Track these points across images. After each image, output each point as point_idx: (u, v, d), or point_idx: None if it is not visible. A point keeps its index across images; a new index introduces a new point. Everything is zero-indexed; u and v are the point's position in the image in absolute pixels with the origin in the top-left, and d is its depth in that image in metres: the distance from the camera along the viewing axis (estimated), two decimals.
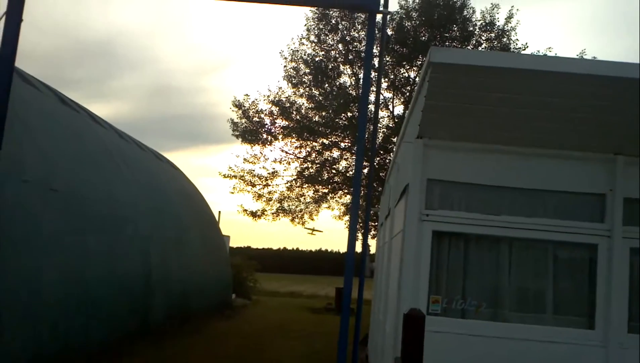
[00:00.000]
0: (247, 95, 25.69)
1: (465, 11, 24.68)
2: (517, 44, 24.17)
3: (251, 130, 25.27)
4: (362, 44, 24.09)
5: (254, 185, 25.84)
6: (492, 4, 24.90)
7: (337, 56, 25.14)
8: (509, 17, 24.33)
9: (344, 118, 24.48)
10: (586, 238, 5.41)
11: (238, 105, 25.47)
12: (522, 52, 23.69)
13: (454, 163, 5.41)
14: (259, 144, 25.45)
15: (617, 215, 5.39)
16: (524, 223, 5.36)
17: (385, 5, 6.17)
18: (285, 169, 25.79)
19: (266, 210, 26.15)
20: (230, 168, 25.86)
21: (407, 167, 5.64)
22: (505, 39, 24.38)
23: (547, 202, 5.46)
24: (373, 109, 24.39)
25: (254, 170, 25.85)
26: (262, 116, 25.41)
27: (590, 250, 5.43)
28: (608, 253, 5.36)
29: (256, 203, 26.18)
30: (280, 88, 25.66)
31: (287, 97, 25.42)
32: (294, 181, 25.72)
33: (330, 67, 25.02)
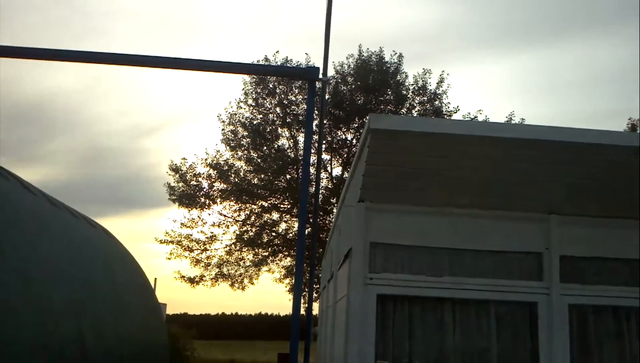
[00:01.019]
0: (184, 159, 25.50)
1: (398, 76, 25.57)
2: (449, 107, 25.13)
3: (189, 194, 24.95)
4: (300, 108, 24.54)
5: (191, 250, 25.32)
6: (424, 69, 25.92)
7: (275, 118, 25.43)
8: (440, 81, 25.36)
9: (283, 180, 24.58)
10: (526, 297, 5.52)
11: (175, 169, 25.19)
12: (454, 114, 24.63)
13: (395, 225, 5.47)
14: (196, 208, 25.12)
15: (554, 273, 5.54)
16: (466, 283, 5.43)
17: (325, 73, 6.30)
18: (224, 233, 25.47)
19: (205, 276, 25.58)
20: (167, 233, 25.33)
21: (350, 231, 5.66)
22: (437, 102, 25.32)
23: (486, 262, 5.56)
24: (314, 172, 24.63)
25: (191, 235, 25.39)
26: (200, 179, 25.19)
27: (531, 308, 5.53)
28: (548, 310, 5.47)
29: (194, 269, 25.58)
30: (218, 151, 25.62)
31: (225, 160, 25.37)
32: (233, 245, 25.39)
33: (268, 130, 25.24)
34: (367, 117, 4.73)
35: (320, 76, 5.47)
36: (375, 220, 5.42)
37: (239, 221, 25.37)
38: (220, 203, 25.25)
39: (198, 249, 25.39)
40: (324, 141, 24.82)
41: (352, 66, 25.65)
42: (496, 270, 5.57)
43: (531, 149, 5.05)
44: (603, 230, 5.71)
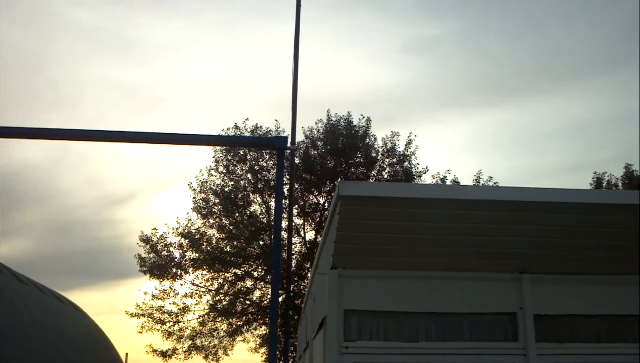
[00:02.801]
0: (154, 229, 25.17)
1: (367, 139, 25.93)
2: (417, 168, 25.45)
3: (160, 265, 24.51)
4: (271, 173, 24.60)
5: (163, 323, 24.67)
6: (392, 131, 26.31)
7: (247, 185, 25.42)
8: (408, 142, 25.76)
9: (256, 247, 24.36)
10: (503, 358, 5.47)
11: (145, 239, 24.82)
12: (423, 175, 24.95)
13: (369, 291, 5.44)
14: (168, 279, 24.63)
15: (529, 333, 5.52)
16: (442, 348, 5.37)
17: (293, 141, 6.37)
18: (196, 303, 24.93)
19: (177, 349, 24.86)
20: (137, 305, 24.70)
21: (324, 299, 5.60)
22: (406, 163, 25.64)
23: (461, 325, 5.53)
24: (286, 237, 24.48)
25: (163, 306, 24.79)
26: (171, 249, 24.83)
27: None
28: None
29: (166, 342, 24.85)
30: (189, 220, 25.39)
31: (196, 228, 25.12)
32: (206, 316, 24.83)
33: (240, 196, 25.17)
34: (337, 183, 4.78)
35: (289, 144, 5.53)
36: (348, 287, 5.38)
37: (212, 290, 24.92)
38: (193, 273, 24.83)
39: (170, 321, 24.75)
40: (296, 206, 24.83)
41: (321, 131, 25.98)
42: (471, 332, 5.53)
43: (499, 210, 5.13)
44: (576, 287, 5.75)
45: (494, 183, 24.66)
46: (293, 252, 24.23)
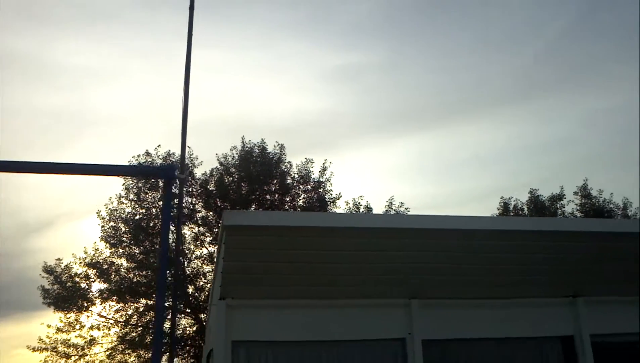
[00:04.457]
0: (59, 259, 24.07)
1: (283, 165, 25.97)
2: (331, 194, 25.67)
3: (65, 296, 23.41)
4: (184, 200, 24.17)
5: (68, 357, 23.49)
6: (306, 158, 26.47)
7: (158, 213, 24.81)
8: (323, 169, 25.99)
9: (167, 276, 23.74)
10: None
11: (49, 271, 23.68)
12: (337, 201, 25.18)
13: (258, 322, 5.38)
14: (73, 312, 23.54)
15: (417, 358, 5.61)
16: None
17: (182, 170, 6.26)
18: (104, 336, 23.92)
19: None
20: (40, 339, 23.42)
21: (212, 330, 5.50)
22: (321, 190, 25.81)
23: (351, 352, 5.55)
24: (203, 265, 23.91)
25: (69, 339, 23.63)
26: (77, 280, 23.78)
27: None
28: None
29: None
30: (97, 249, 24.46)
31: (104, 258, 24.22)
32: (114, 348, 23.86)
33: (151, 224, 24.52)
34: (223, 213, 4.74)
35: (177, 173, 5.44)
36: (237, 318, 5.30)
37: (120, 322, 24.01)
38: (101, 304, 23.86)
39: (75, 355, 23.62)
40: (209, 234, 24.44)
41: (236, 158, 25.81)
42: (362, 358, 5.57)
43: (387, 237, 5.22)
44: (464, 312, 5.90)
45: (405, 209, 25.24)
46: (206, 281, 23.77)
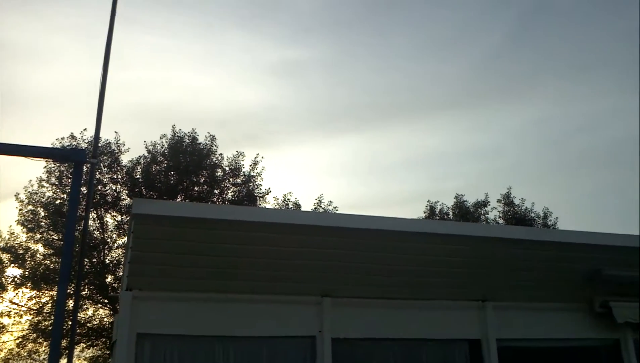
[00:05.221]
0: None
1: (213, 157, 25.60)
2: (261, 189, 25.52)
3: None
4: (107, 188, 23.48)
5: None
6: (237, 151, 26.22)
7: (81, 199, 24.02)
8: (254, 164, 25.81)
9: (86, 264, 22.97)
10: None
11: None
12: (266, 196, 25.05)
13: (165, 314, 5.23)
14: None
15: (327, 356, 5.60)
16: None
17: (94, 154, 6.04)
18: (15, 324, 22.95)
19: None
20: None
21: (117, 321, 5.32)
22: (251, 185, 25.62)
23: (261, 348, 5.49)
24: (121, 256, 23.23)
25: None
26: None
27: None
28: None
29: None
30: (12, 233, 23.44)
31: (20, 243, 23.23)
32: (25, 337, 22.92)
33: None
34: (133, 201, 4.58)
35: (89, 158, 5.23)
36: (143, 310, 5.14)
37: (33, 310, 23.10)
38: (13, 291, 22.87)
39: None
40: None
41: (165, 146, 25.27)
42: (270, 355, 5.52)
43: (300, 234, 5.20)
44: (373, 311, 5.93)
45: (334, 208, 25.40)
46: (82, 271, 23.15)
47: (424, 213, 32.96)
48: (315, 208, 24.98)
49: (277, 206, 25.04)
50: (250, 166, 25.82)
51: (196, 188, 25.03)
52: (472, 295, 6.25)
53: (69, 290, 23.23)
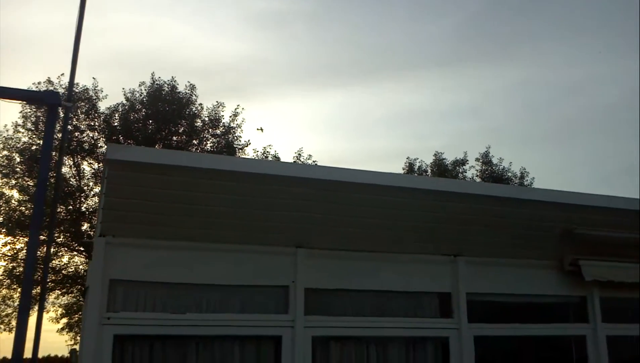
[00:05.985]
0: None
1: (193, 107, 25.33)
2: (240, 141, 25.40)
3: None
4: (84, 135, 23.19)
5: None
6: (217, 101, 25.97)
7: (57, 144, 23.69)
8: (234, 115, 25.61)
9: (62, 211, 22.84)
10: (271, 330, 5.55)
11: None
12: (245, 148, 24.95)
13: (139, 261, 5.22)
14: None
15: (299, 306, 5.66)
16: (210, 319, 5.33)
17: (69, 98, 5.91)
18: None
19: None
20: None
21: (90, 267, 5.31)
22: (230, 136, 25.48)
23: (233, 297, 5.53)
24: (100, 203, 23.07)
25: None
26: None
27: (276, 341, 5.57)
28: (291, 343, 5.55)
29: None
30: None
31: None
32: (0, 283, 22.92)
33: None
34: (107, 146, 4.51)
35: (64, 101, 5.13)
36: (116, 256, 5.11)
37: (8, 256, 23.01)
38: None
39: None
40: None
41: (144, 94, 24.92)
42: (243, 304, 5.56)
43: (273, 184, 5.18)
44: (346, 263, 5.98)
45: (313, 162, 25.41)
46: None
47: (403, 169, 33.18)
48: (294, 161, 24.98)
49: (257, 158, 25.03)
50: (230, 117, 25.65)
51: (175, 138, 24.84)
52: (445, 250, 6.32)
53: (42, 237, 23.13)
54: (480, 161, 32.95)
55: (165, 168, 4.69)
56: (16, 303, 23.25)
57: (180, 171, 4.76)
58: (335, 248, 5.94)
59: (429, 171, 32.78)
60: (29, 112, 23.27)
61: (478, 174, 32.58)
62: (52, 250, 23.12)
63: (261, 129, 28.30)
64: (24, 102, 21.03)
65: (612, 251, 6.77)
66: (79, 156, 23.66)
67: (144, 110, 24.47)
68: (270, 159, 24.66)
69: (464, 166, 32.76)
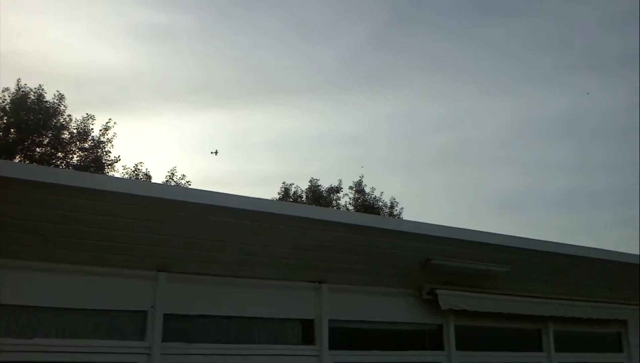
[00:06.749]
0: None
1: (61, 118, 24.03)
2: (110, 156, 24.37)
3: None
4: None
5: None
6: (87, 114, 24.77)
7: None
8: (106, 129, 24.58)
9: None
10: (126, 357, 5.31)
11: None
12: (115, 164, 23.98)
13: (24, 284, 4.83)
14: None
15: (157, 332, 5.45)
16: (59, 345, 5.00)
17: None
18: None
19: None
20: None
21: None
22: (99, 151, 24.40)
23: (88, 321, 5.23)
24: None
25: None
26: None
27: None
28: None
29: None
30: None
31: None
32: None
33: None
34: None
35: None
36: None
37: None
38: None
39: None
40: None
41: (7, 101, 23.32)
42: (97, 330, 5.27)
43: (135, 204, 4.98)
44: (210, 288, 5.86)
45: (187, 182, 24.91)
46: None
47: (279, 194, 33.33)
48: (167, 181, 24.35)
49: (127, 176, 24.15)
50: (100, 131, 24.59)
51: (38, 149, 23.40)
52: (310, 277, 6.39)
53: None
54: (354, 189, 33.91)
55: (21, 183, 4.36)
56: None
57: (32, 186, 4.44)
58: (198, 272, 5.82)
59: (304, 196, 33.21)
60: None
61: (351, 202, 33.48)
62: None
63: (216, 153, 27.34)
64: None
65: (466, 281, 7.16)
66: None
67: (5, 118, 22.87)
68: (141, 177, 23.87)
69: (338, 194, 33.54)
